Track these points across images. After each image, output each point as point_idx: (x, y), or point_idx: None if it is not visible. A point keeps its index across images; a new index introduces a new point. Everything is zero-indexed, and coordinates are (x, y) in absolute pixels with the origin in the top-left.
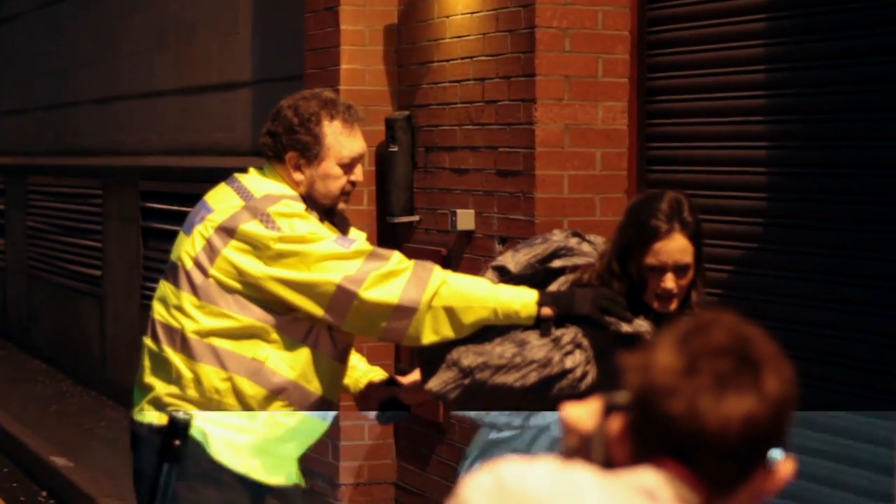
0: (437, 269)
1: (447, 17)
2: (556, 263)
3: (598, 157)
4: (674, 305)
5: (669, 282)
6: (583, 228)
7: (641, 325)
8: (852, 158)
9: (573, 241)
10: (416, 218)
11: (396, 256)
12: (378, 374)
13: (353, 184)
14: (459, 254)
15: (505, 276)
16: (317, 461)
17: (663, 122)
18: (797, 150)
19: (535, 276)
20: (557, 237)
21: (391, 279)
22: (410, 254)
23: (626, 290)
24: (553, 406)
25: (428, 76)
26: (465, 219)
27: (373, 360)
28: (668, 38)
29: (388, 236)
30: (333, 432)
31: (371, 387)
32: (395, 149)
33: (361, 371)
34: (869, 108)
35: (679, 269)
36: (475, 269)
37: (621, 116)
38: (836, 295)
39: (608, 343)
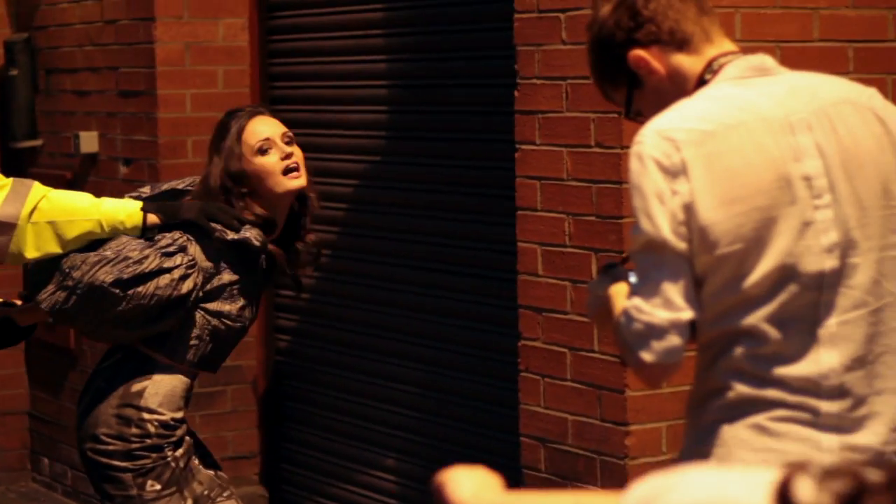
0: (36, 184)
1: None
2: (180, 186)
3: (220, 75)
4: (302, 178)
5: (286, 147)
6: (205, 146)
7: (248, 232)
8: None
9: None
10: (39, 142)
11: None
12: None
13: None
14: (84, 177)
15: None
16: None
17: (285, 37)
18: (411, 61)
19: (163, 198)
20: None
21: None
22: (35, 178)
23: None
24: (155, 311)
25: None
26: (89, 141)
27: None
28: None
29: (11, 162)
30: None
31: None
32: (15, 72)
33: None
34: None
35: (286, 137)
36: (100, 192)
37: (242, 33)
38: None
39: (219, 252)
